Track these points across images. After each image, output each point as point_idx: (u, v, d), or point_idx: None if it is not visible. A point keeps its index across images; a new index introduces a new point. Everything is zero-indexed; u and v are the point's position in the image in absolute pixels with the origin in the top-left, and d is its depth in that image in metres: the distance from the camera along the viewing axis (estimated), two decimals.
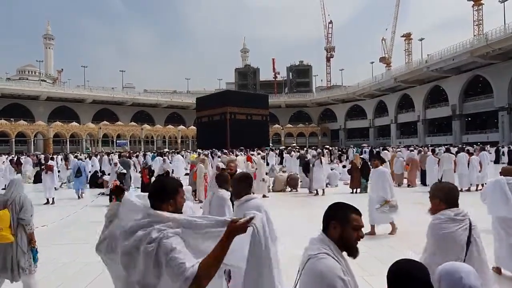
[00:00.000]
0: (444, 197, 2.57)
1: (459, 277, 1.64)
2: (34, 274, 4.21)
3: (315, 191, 13.35)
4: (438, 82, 54.98)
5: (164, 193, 1.97)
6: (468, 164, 13.60)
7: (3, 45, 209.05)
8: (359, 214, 1.87)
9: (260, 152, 23.37)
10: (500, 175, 5.08)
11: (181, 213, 1.99)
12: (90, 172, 17.11)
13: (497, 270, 4.88)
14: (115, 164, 13.08)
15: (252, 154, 17.87)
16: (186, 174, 19.88)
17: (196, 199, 11.86)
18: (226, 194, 4.04)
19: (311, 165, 13.68)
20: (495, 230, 4.88)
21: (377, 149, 29.94)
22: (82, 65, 76.09)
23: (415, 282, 1.64)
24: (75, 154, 29.39)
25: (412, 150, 19.56)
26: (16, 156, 30.23)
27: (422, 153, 16.07)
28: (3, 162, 26.72)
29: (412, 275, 1.65)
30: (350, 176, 13.96)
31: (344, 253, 1.84)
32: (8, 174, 15.20)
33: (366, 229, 6.64)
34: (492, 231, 4.93)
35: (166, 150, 39.33)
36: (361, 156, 16.84)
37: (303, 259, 1.83)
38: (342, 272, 1.69)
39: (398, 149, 25.85)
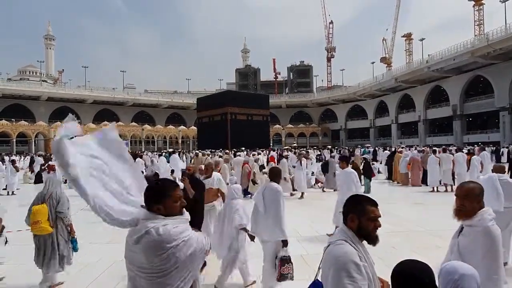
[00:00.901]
0: (479, 197, 2.47)
1: (454, 279, 1.66)
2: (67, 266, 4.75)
3: (301, 194, 12.80)
4: (439, 82, 54.91)
5: (151, 197, 2.02)
6: (469, 164, 13.61)
7: (4, 46, 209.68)
8: (375, 205, 1.99)
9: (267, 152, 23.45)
10: (492, 172, 5.63)
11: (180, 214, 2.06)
12: None
13: None
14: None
15: (259, 154, 17.91)
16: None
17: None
18: (279, 186, 4.44)
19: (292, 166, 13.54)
20: None
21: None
22: (83, 66, 76.32)
23: (420, 282, 1.63)
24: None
25: (421, 151, 19.57)
26: (29, 156, 30.47)
27: (424, 153, 16.08)
28: (12, 161, 26.87)
29: (417, 276, 1.65)
30: (332, 177, 13.83)
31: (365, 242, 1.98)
32: (10, 174, 15.17)
33: (331, 229, 6.93)
34: None
35: (180, 149, 39.20)
36: (363, 156, 16.80)
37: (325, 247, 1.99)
38: (357, 258, 1.80)
39: (401, 148, 25.86)
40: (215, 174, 5.94)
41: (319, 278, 2.03)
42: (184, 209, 2.08)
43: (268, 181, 4.55)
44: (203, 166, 6.76)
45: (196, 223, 4.54)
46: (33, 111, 63.71)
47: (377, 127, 71.61)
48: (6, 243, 5.71)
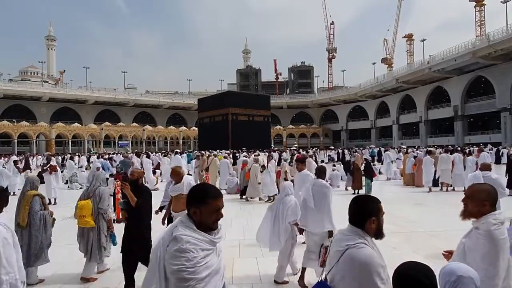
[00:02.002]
0: (489, 197, 2.45)
1: (451, 280, 1.67)
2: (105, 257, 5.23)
3: (267, 198, 12.15)
4: (440, 82, 54.86)
5: (191, 198, 1.95)
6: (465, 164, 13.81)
7: (5, 46, 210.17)
8: (380, 202, 2.09)
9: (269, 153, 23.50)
10: (480, 170, 6.37)
11: (213, 228, 1.92)
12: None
13: None
14: (97, 169, 11.43)
15: (258, 154, 17.91)
16: (189, 174, 19.88)
17: (245, 196, 12.45)
18: (326, 183, 4.94)
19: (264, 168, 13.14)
20: None
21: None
22: (84, 66, 76.56)
23: (420, 284, 1.63)
24: (98, 154, 29.84)
25: (429, 151, 19.67)
26: (46, 156, 30.66)
27: (431, 154, 16.11)
28: (20, 162, 27.06)
29: (418, 278, 1.65)
30: (352, 177, 13.91)
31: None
32: (12, 175, 15.18)
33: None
34: None
35: (196, 151, 39.19)
36: (364, 157, 16.81)
37: (336, 249, 1.99)
38: (382, 260, 1.88)
39: (405, 149, 25.93)
40: (185, 179, 5.10)
41: (326, 278, 2.04)
42: (219, 225, 1.96)
43: (315, 178, 5.02)
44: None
45: (140, 234, 4.55)
46: (34, 111, 63.86)
47: (378, 127, 71.56)
48: None
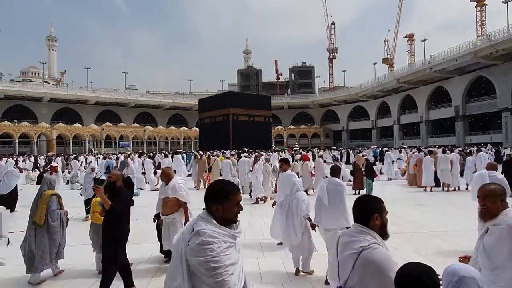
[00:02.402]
0: (503, 194, 2.48)
1: (454, 281, 1.67)
2: None
3: (255, 199, 11.97)
4: (441, 83, 54.80)
5: (212, 196, 1.97)
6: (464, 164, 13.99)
7: (6, 47, 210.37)
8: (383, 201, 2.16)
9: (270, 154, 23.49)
10: (486, 169, 6.48)
11: (234, 221, 1.97)
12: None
13: None
14: (92, 169, 10.93)
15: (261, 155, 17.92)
16: (189, 175, 19.91)
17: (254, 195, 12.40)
18: (341, 181, 5.09)
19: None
20: None
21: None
22: (85, 67, 76.55)
23: (423, 285, 1.63)
24: (104, 154, 29.95)
25: (430, 151, 19.74)
26: (66, 156, 30.97)
27: (432, 154, 16.17)
28: (24, 162, 27.17)
29: (420, 278, 1.65)
30: (352, 177, 13.91)
31: None
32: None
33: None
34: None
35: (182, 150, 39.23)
36: (365, 157, 16.80)
37: (348, 252, 1.99)
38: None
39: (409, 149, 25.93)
40: (172, 181, 4.98)
41: (346, 285, 2.00)
42: (238, 218, 2.01)
43: (330, 177, 5.19)
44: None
45: (117, 239, 4.31)
46: (35, 112, 63.94)
47: (379, 128, 71.50)
48: (8, 243, 5.74)
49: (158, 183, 16.13)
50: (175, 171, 16.46)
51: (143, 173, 18.36)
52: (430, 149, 18.29)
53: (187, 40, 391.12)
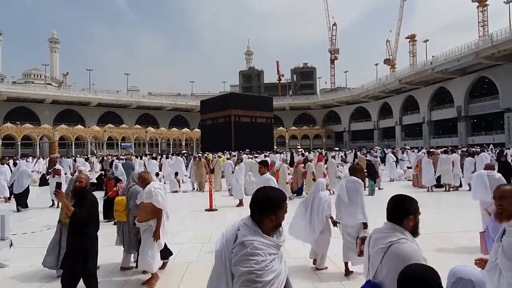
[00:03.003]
0: None
1: (451, 281, 1.72)
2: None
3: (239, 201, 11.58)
4: (443, 83, 54.72)
5: (266, 207, 1.92)
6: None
7: (9, 49, 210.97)
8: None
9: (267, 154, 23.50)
10: (485, 169, 6.75)
11: (280, 225, 1.98)
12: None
13: None
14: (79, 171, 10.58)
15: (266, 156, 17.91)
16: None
17: None
18: (359, 179, 5.20)
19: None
20: (482, 213, 6.24)
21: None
22: (87, 69, 76.96)
23: (426, 286, 1.63)
24: (115, 155, 30.12)
25: (429, 152, 19.83)
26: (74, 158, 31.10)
27: (434, 154, 16.21)
28: (34, 164, 27.25)
29: (424, 279, 1.65)
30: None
31: None
32: (13, 177, 15.20)
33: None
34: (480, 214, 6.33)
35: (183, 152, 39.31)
36: (367, 158, 16.78)
37: (378, 247, 2.06)
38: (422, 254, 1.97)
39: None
40: (148, 186, 4.69)
41: (375, 279, 2.07)
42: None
43: (348, 175, 5.37)
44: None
45: (83, 247, 3.93)
46: (37, 114, 64.16)
47: (381, 128, 71.41)
48: (11, 245, 5.76)
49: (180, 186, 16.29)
50: (176, 173, 16.55)
51: None
52: (430, 150, 18.32)
53: (188, 41, 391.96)
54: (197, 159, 16.69)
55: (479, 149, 24.35)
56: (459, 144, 45.91)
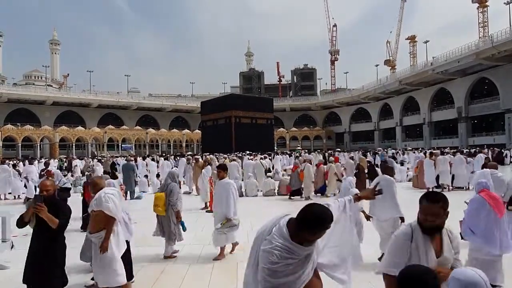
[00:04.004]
0: None
1: (447, 282, 1.72)
2: (176, 241, 6.22)
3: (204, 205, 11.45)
4: (444, 84, 54.74)
5: (314, 225, 1.99)
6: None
7: (9, 51, 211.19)
8: (430, 201, 2.29)
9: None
10: (488, 168, 6.87)
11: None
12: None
13: None
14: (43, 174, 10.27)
15: (265, 157, 17.92)
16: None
17: (303, 196, 12.87)
18: (391, 178, 5.76)
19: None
20: None
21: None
22: (88, 70, 76.87)
23: (423, 286, 1.66)
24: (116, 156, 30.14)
25: (430, 153, 20.00)
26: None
27: (434, 156, 16.31)
28: (13, 165, 27.20)
29: (423, 280, 1.67)
30: (356, 179, 13.88)
31: None
32: (13, 178, 15.26)
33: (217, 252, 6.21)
34: None
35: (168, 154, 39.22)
36: (368, 160, 16.83)
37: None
38: (407, 236, 2.26)
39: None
40: (99, 192, 4.22)
41: None
42: None
43: (381, 174, 5.94)
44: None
45: (61, 259, 3.79)
46: (38, 115, 64.20)
47: (382, 129, 71.40)
48: (12, 247, 5.76)
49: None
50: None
51: (146, 176, 18.42)
52: (431, 151, 18.54)
53: (189, 42, 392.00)
54: (194, 161, 16.25)
55: (477, 150, 24.46)
56: (459, 145, 45.91)
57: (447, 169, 14.05)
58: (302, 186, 12.93)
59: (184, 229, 6.35)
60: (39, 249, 3.67)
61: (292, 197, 13.12)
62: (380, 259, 5.39)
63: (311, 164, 14.21)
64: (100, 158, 32.44)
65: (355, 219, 5.47)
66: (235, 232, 6.16)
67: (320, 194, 13.46)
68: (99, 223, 4.11)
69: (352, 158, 17.85)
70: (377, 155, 25.29)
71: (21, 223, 3.68)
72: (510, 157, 28.83)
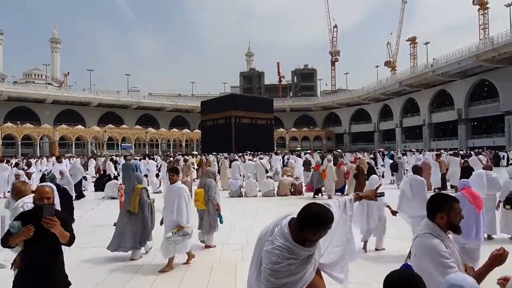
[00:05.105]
0: None
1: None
2: (215, 232, 6.86)
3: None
4: (444, 86, 54.74)
5: (312, 224, 2.01)
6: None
7: (10, 49, 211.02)
8: (458, 201, 2.34)
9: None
10: (483, 169, 7.76)
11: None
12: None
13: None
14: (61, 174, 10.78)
15: (262, 158, 17.89)
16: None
17: (324, 195, 13.30)
18: (421, 177, 6.31)
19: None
20: None
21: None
22: (88, 69, 76.83)
23: None
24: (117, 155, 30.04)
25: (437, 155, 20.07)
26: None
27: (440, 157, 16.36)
28: (53, 163, 27.26)
29: (407, 285, 1.66)
30: (356, 180, 13.87)
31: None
32: (14, 177, 15.22)
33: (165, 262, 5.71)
34: None
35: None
36: (367, 161, 16.79)
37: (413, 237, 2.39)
38: (443, 247, 2.17)
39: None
40: (18, 201, 3.75)
41: (409, 262, 2.32)
42: None
43: (412, 174, 6.45)
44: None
45: (62, 264, 3.25)
46: (38, 113, 64.17)
47: (381, 131, 71.41)
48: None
49: (160, 185, 16.13)
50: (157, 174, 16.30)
51: (146, 176, 18.37)
52: (437, 152, 18.82)
53: (189, 42, 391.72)
54: (180, 162, 16.04)
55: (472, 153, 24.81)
56: (459, 147, 45.91)
57: (457, 170, 13.88)
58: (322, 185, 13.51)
59: (221, 221, 6.89)
60: (45, 259, 3.05)
61: (316, 196, 13.54)
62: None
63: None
64: (98, 156, 32.39)
65: (375, 214, 6.22)
66: (187, 242, 5.65)
67: (340, 193, 13.63)
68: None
69: (373, 158, 18.18)
70: (385, 156, 25.53)
71: (5, 244, 3.05)
72: (508, 159, 29.00)
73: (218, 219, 6.82)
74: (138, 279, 5.18)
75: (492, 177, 7.43)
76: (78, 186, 14.02)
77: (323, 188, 13.69)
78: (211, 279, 5.13)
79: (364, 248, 6.45)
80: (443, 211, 2.28)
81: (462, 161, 14.05)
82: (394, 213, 6.21)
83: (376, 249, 6.43)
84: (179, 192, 5.54)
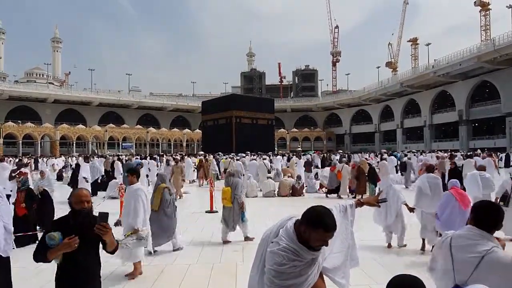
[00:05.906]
0: None
1: None
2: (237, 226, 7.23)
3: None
4: (445, 87, 54.67)
5: (307, 219, 2.00)
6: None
7: (11, 48, 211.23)
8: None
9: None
10: (477, 170, 8.32)
11: (314, 249, 2.14)
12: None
13: None
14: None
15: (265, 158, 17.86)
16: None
17: (339, 195, 13.56)
18: (438, 176, 6.91)
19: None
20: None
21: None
22: (89, 68, 76.87)
23: None
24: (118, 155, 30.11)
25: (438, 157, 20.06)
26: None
27: (440, 159, 16.32)
28: (63, 161, 27.25)
29: None
30: (356, 181, 13.86)
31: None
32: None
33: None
34: None
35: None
36: (368, 162, 16.76)
37: (470, 255, 2.05)
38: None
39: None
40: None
41: (463, 284, 2.08)
42: None
43: (427, 173, 6.71)
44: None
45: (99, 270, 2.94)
46: (39, 113, 64.25)
47: (382, 131, 71.36)
48: (13, 246, 5.74)
49: None
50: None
51: (147, 176, 18.39)
52: (452, 154, 19.09)
53: (191, 42, 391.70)
54: (173, 162, 15.93)
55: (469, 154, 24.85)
56: (460, 148, 45.89)
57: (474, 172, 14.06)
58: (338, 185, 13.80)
59: (243, 220, 7.25)
60: (86, 265, 2.75)
61: (328, 195, 13.87)
62: (422, 248, 6.40)
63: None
64: (106, 155, 32.25)
65: (392, 210, 6.51)
66: (141, 248, 5.28)
67: (355, 194, 13.63)
68: None
69: (385, 159, 18.07)
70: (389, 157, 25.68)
71: (42, 260, 2.65)
72: (506, 161, 28.77)
73: (241, 216, 7.21)
74: (138, 279, 5.18)
75: (485, 177, 7.91)
76: (95, 184, 14.66)
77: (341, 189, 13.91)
78: (211, 279, 5.13)
79: (389, 247, 6.76)
80: (500, 225, 2.22)
81: (450, 162, 13.97)
82: (411, 210, 6.49)
83: (398, 246, 6.67)
84: (137, 193, 5.30)
